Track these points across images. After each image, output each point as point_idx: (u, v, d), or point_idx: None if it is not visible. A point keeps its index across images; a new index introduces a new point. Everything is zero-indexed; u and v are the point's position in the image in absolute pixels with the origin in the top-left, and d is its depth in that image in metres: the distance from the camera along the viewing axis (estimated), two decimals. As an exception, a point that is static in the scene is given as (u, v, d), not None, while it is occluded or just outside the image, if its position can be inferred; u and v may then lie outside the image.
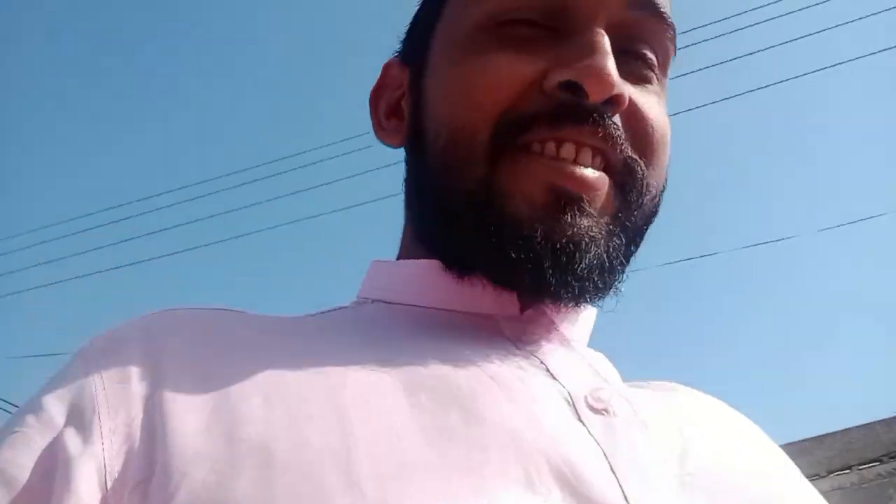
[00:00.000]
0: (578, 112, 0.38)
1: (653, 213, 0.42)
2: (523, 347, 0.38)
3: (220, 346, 0.36)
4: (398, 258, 0.48)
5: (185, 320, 0.39)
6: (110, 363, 0.35)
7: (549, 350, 0.39)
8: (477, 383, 0.34)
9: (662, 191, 0.43)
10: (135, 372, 0.34)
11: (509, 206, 0.38)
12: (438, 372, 0.35)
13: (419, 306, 0.42)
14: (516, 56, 0.39)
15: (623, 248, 0.39)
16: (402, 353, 0.36)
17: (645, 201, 0.41)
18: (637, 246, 0.42)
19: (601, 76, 0.37)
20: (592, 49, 0.37)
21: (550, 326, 0.40)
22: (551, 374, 0.37)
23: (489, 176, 0.38)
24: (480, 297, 0.40)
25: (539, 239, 0.36)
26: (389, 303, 0.43)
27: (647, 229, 0.43)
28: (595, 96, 0.37)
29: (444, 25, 0.44)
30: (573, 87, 0.37)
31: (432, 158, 0.41)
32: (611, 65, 0.37)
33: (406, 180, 0.47)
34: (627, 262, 0.41)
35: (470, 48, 0.40)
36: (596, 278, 0.37)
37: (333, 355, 0.35)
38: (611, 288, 0.40)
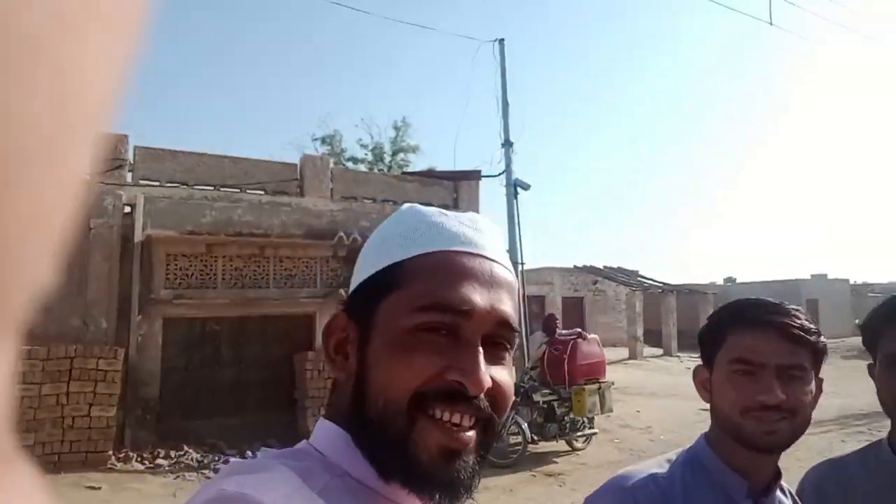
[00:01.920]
0: (463, 396, 0.61)
1: (499, 436, 0.68)
2: None
3: None
4: (332, 420, 0.67)
5: None
6: None
7: None
8: None
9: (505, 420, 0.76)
10: None
11: (418, 454, 0.60)
12: None
13: (373, 489, 0.62)
14: (429, 356, 0.61)
15: (480, 466, 0.64)
16: None
17: (496, 435, 0.67)
18: (486, 454, 0.66)
19: (479, 383, 0.61)
20: (474, 364, 0.61)
21: None
22: None
23: (407, 432, 0.60)
24: (404, 495, 0.62)
25: (436, 477, 0.60)
26: (357, 480, 0.62)
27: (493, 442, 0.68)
28: (473, 391, 0.61)
29: (383, 317, 0.64)
30: (461, 384, 0.61)
31: (371, 411, 0.62)
32: (482, 374, 0.61)
33: (346, 399, 0.65)
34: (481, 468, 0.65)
35: (400, 346, 0.62)
36: (465, 493, 0.62)
37: None
38: (471, 491, 0.63)
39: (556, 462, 8.34)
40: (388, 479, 0.61)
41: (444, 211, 0.71)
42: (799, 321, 1.05)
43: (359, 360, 0.64)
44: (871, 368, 1.31)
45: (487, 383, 0.61)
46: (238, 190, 10.04)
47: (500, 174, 11.99)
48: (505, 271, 0.67)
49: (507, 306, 0.66)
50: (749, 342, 1.05)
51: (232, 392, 9.83)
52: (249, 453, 8.73)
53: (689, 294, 24.09)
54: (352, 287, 0.69)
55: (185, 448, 8.59)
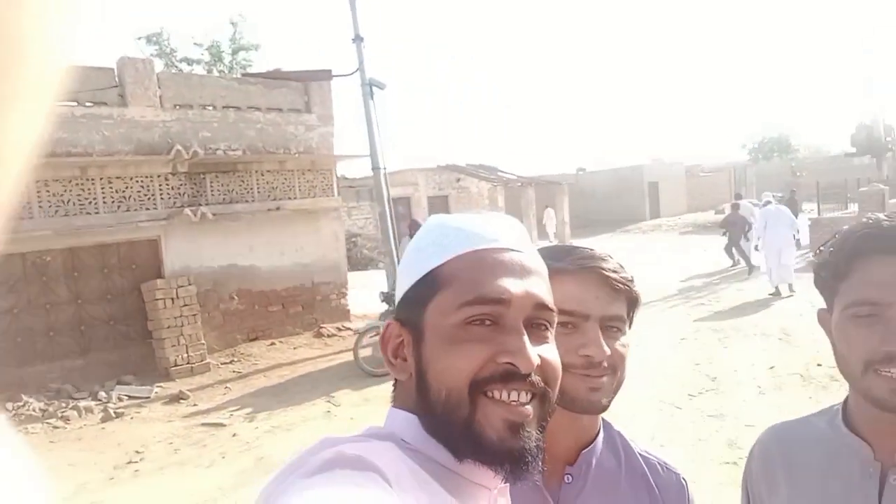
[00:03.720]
0: (517, 376, 0.68)
1: (554, 408, 0.75)
2: None
3: None
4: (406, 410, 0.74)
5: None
6: None
7: None
8: None
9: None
10: None
11: (486, 432, 0.66)
12: None
13: (451, 470, 0.69)
14: (478, 345, 0.68)
15: (541, 439, 0.70)
16: None
17: (552, 407, 0.73)
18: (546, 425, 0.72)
19: (528, 362, 0.67)
20: (521, 346, 0.68)
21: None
22: None
23: (471, 415, 0.67)
24: (478, 470, 0.68)
25: (505, 450, 0.66)
26: (436, 462, 0.69)
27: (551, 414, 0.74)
28: (525, 370, 0.67)
29: (432, 318, 0.70)
30: (513, 364, 0.67)
31: (436, 402, 0.68)
32: (530, 353, 0.68)
33: (412, 396, 0.73)
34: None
35: (452, 340, 0.69)
36: (532, 461, 0.68)
37: None
38: (537, 461, 0.68)
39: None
40: (462, 459, 0.68)
41: (466, 216, 0.76)
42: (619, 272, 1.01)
43: (416, 359, 0.72)
44: (823, 315, 1.04)
45: (536, 361, 0.68)
46: (44, 102, 8.56)
47: (352, 73, 11.17)
48: (533, 259, 0.75)
49: (541, 290, 0.73)
50: (570, 291, 0.98)
51: (73, 331, 8.91)
52: (103, 394, 8.06)
53: (545, 185, 24.92)
54: (398, 298, 0.76)
55: (25, 398, 7.75)
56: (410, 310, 0.73)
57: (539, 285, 0.72)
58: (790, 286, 11.01)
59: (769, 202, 13.10)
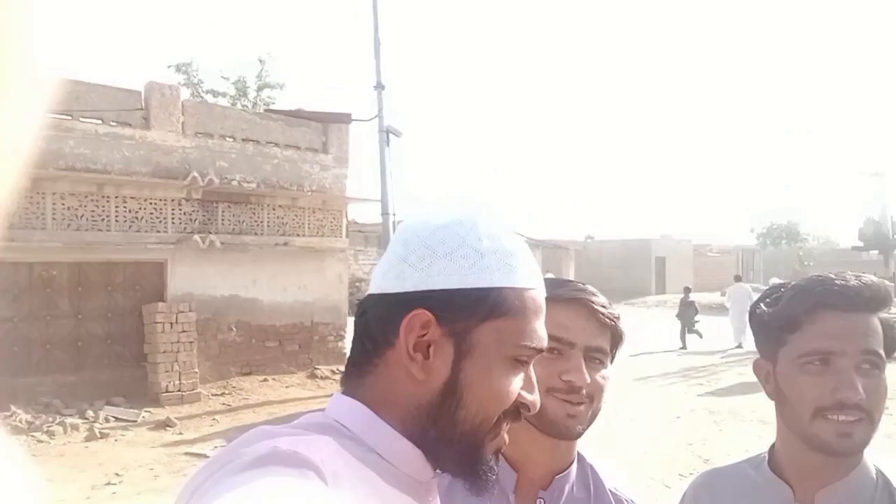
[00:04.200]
0: (520, 413, 0.72)
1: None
2: None
3: None
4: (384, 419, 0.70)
5: None
6: None
7: None
8: None
9: None
10: None
11: (483, 458, 0.70)
12: None
13: (393, 465, 0.69)
14: (517, 382, 0.71)
15: None
16: None
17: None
18: None
19: (536, 404, 0.72)
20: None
21: None
22: None
23: (483, 441, 0.70)
24: (414, 465, 0.70)
25: (489, 471, 0.71)
26: (380, 456, 0.68)
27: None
28: (532, 411, 0.73)
29: (486, 339, 0.68)
30: (524, 403, 0.72)
31: (463, 422, 0.68)
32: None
33: (417, 398, 0.69)
34: None
35: (504, 372, 0.69)
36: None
37: None
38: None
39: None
40: (441, 468, 0.71)
41: (518, 241, 0.74)
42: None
43: (452, 370, 0.68)
44: (760, 364, 1.09)
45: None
46: (69, 117, 8.73)
47: (371, 118, 11.43)
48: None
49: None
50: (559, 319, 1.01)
51: (70, 346, 8.89)
52: (91, 413, 7.97)
53: (552, 249, 25.01)
54: (428, 283, 0.69)
55: (13, 408, 7.69)
56: (457, 314, 0.68)
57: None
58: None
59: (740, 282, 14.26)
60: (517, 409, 0.70)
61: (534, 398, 0.71)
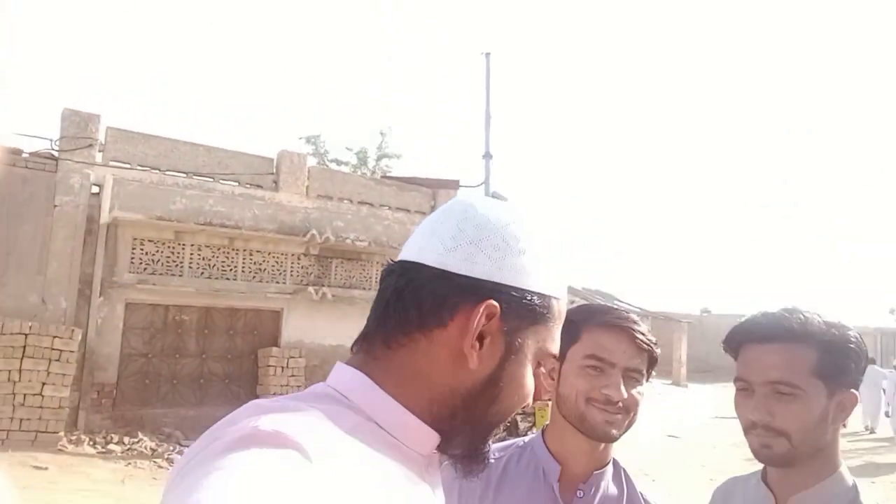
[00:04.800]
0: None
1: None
2: (429, 477, 0.74)
3: None
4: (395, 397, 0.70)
5: None
6: None
7: None
8: None
9: None
10: None
11: (488, 441, 0.74)
12: None
13: (394, 437, 0.68)
14: (532, 383, 0.74)
15: None
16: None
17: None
18: None
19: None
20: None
21: None
22: None
23: (495, 430, 0.74)
24: (414, 438, 0.69)
25: (487, 452, 0.75)
26: (379, 426, 0.67)
27: None
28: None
29: (530, 341, 0.71)
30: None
31: (494, 413, 0.71)
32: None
33: (454, 380, 0.69)
34: None
35: (529, 371, 0.72)
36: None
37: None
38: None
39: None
40: (450, 449, 0.72)
41: (564, 266, 0.77)
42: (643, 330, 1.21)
43: (499, 362, 0.70)
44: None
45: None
46: (211, 179, 10.00)
47: (478, 185, 12.04)
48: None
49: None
50: (604, 342, 1.19)
51: (193, 383, 9.73)
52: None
53: (663, 321, 24.19)
54: (502, 276, 0.70)
55: (140, 435, 8.48)
56: (518, 313, 0.69)
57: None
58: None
59: None
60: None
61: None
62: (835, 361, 1.07)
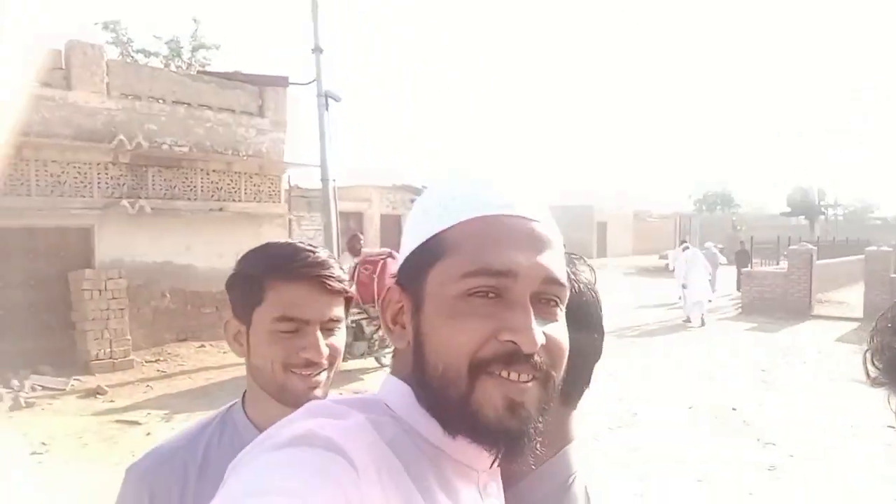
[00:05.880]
0: (520, 356, 0.63)
1: (557, 391, 0.69)
2: (486, 499, 0.70)
3: None
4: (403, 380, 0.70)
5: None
6: None
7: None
8: None
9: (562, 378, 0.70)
10: None
11: (484, 410, 0.63)
12: None
13: (437, 446, 0.67)
14: (480, 320, 0.63)
15: (541, 422, 0.65)
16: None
17: (556, 390, 0.67)
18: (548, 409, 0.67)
19: (532, 342, 0.62)
20: (525, 324, 0.63)
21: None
22: None
23: (468, 392, 0.63)
24: (466, 449, 0.66)
25: (502, 428, 0.63)
26: (421, 436, 0.67)
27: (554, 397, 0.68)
28: (527, 350, 0.62)
29: (432, 287, 0.66)
30: (515, 343, 0.62)
31: (432, 376, 0.65)
32: (535, 332, 0.62)
33: (408, 366, 0.68)
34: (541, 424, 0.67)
35: (452, 313, 0.64)
36: (527, 444, 0.64)
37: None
38: (532, 444, 0.65)
39: (362, 379, 8.39)
40: (455, 436, 0.65)
41: (478, 178, 0.71)
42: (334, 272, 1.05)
43: (414, 328, 0.67)
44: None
45: (541, 340, 0.63)
46: (-17, 76, 8.29)
47: (310, 83, 11.21)
48: (547, 229, 0.69)
49: (553, 263, 0.67)
50: (293, 298, 1.02)
51: (-10, 315, 8.52)
52: (16, 382, 7.73)
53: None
54: (400, 260, 0.72)
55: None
56: (411, 275, 0.68)
57: (551, 258, 0.66)
58: (702, 318, 13.08)
59: (687, 247, 14.65)
60: (506, 353, 0.62)
61: (523, 334, 0.62)
62: None
